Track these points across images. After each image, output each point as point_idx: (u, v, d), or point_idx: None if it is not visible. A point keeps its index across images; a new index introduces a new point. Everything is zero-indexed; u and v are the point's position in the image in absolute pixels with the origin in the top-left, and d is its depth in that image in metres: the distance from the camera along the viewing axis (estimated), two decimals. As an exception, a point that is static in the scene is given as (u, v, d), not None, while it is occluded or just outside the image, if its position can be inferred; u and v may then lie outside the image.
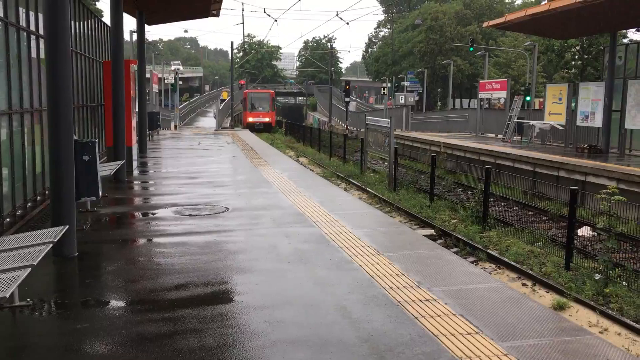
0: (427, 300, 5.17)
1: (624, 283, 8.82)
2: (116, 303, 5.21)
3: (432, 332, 4.47)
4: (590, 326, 7.49)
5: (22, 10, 8.82)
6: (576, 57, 38.02)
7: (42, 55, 9.29)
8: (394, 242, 7.38)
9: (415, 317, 4.76)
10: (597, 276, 8.90)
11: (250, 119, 47.05)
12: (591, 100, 20.53)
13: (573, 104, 22.17)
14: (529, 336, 4.44)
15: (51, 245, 5.29)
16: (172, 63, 74.03)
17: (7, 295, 4.03)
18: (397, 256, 6.54)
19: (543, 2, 34.93)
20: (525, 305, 5.13)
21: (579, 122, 21.34)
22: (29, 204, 8.91)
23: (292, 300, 5.17)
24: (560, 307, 8.09)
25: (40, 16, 9.42)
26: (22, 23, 8.80)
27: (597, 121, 20.18)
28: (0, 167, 7.58)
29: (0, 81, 7.72)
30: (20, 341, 4.40)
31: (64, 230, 5.86)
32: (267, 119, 47.57)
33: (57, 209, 6.49)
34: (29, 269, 4.55)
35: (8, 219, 7.82)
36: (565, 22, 19.28)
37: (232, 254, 6.70)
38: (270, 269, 6.10)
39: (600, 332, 7.37)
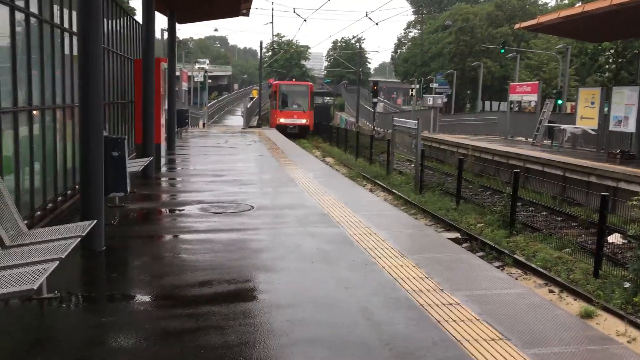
0: (451, 304, 5.12)
1: (655, 292, 8.60)
2: (141, 298, 5.28)
3: (454, 337, 4.42)
4: (617, 335, 7.32)
5: (56, 8, 9.00)
6: (610, 60, 37.26)
7: (75, 52, 9.46)
8: (419, 245, 7.33)
9: (438, 322, 4.72)
10: (627, 284, 8.71)
11: (282, 120, 36.76)
12: (625, 104, 20.08)
13: (606, 108, 21.72)
14: (554, 344, 4.36)
15: (79, 239, 5.38)
16: (198, 61, 72.14)
17: (35, 287, 4.11)
18: (421, 259, 6.49)
19: (577, 4, 34.32)
20: (551, 313, 5.04)
21: (611, 127, 20.90)
22: (60, 198, 9.08)
23: (315, 300, 5.17)
24: (587, 315, 7.93)
25: (74, 13, 9.60)
26: (56, 20, 8.97)
27: (631, 126, 19.73)
28: (33, 162, 7.75)
29: (34, 77, 7.88)
30: (46, 332, 4.49)
31: (92, 224, 5.96)
32: (303, 121, 37.01)
33: (86, 204, 6.60)
34: (57, 262, 4.63)
35: (39, 212, 7.99)
36: (599, 25, 18.91)
37: (256, 252, 6.73)
38: (294, 268, 6.11)
39: (627, 342, 7.21)
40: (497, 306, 5.11)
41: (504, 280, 5.98)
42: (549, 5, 66.41)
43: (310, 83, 44.36)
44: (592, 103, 22.23)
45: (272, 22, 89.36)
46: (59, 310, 4.92)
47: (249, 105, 43.78)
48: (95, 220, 6.20)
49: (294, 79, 53.88)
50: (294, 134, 34.98)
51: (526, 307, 5.12)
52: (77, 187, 9.56)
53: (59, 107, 9.08)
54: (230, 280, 5.68)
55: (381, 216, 8.97)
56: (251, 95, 57.17)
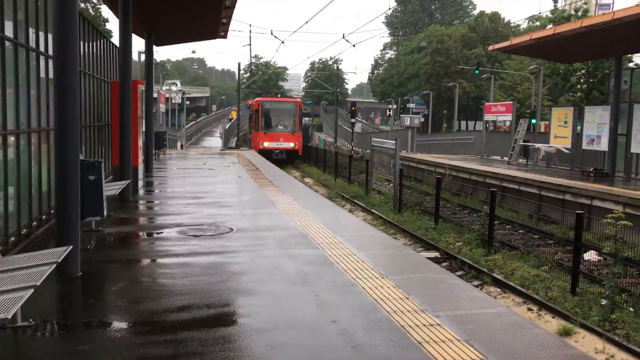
0: (431, 325, 5.12)
1: (631, 309, 8.73)
2: (119, 324, 5.19)
3: (435, 359, 4.42)
4: (596, 353, 7.40)
5: (32, 31, 8.94)
6: (582, 80, 38.09)
7: (51, 75, 9.39)
8: (399, 265, 7.34)
9: (419, 343, 4.71)
10: (604, 301, 8.81)
11: (266, 144, 31.83)
12: (597, 123, 20.53)
13: (579, 128, 22.17)
14: (534, 363, 4.39)
15: (55, 265, 5.29)
16: (167, 82, 67.95)
17: (10, 316, 4.02)
18: (401, 279, 6.50)
19: (548, 27, 35.17)
20: (530, 332, 5.07)
21: (584, 146, 21.32)
22: (34, 223, 8.94)
23: (295, 324, 5.13)
24: (566, 333, 8.00)
25: (50, 36, 9.55)
26: (32, 44, 8.91)
27: (603, 145, 20.16)
28: (7, 186, 7.62)
29: (9, 101, 7.80)
30: (21, 362, 4.38)
31: (68, 250, 5.87)
32: (291, 144, 32.19)
33: (62, 229, 6.50)
34: (32, 290, 4.54)
35: (13, 238, 7.84)
36: (570, 46, 19.38)
37: (236, 276, 6.68)
38: (274, 291, 6.07)
39: (606, 359, 7.28)
40: (477, 326, 5.13)
41: (484, 300, 6.01)
42: (521, 27, 67.92)
43: (298, 99, 37.76)
44: (565, 122, 22.70)
45: (250, 44, 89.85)
46: (34, 338, 4.80)
47: (227, 127, 43.73)
48: (71, 246, 6.11)
49: (278, 95, 48.34)
50: (281, 159, 30.40)
51: (506, 327, 5.15)
52: (52, 211, 9.42)
53: (35, 130, 8.98)
54: (210, 305, 5.62)
55: (361, 237, 8.99)
56: (230, 117, 56.98)
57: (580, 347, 7.27)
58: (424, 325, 5.11)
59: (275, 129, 32.88)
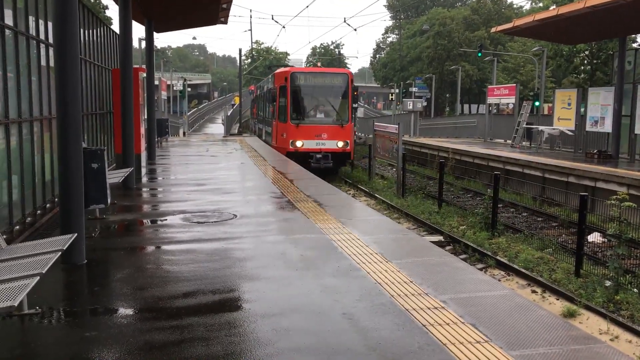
0: (436, 308, 5.14)
1: (635, 290, 8.75)
2: (124, 311, 5.22)
3: (440, 341, 4.44)
4: (600, 334, 7.43)
5: (31, 19, 8.90)
6: (585, 62, 37.87)
7: (52, 64, 9.37)
8: (402, 249, 7.35)
9: (424, 325, 4.73)
10: (608, 283, 8.83)
11: (299, 143, 20.74)
12: (600, 105, 20.42)
13: (582, 109, 22.06)
14: (538, 345, 4.40)
15: (60, 253, 5.31)
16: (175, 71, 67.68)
17: (16, 304, 4.04)
18: (405, 263, 6.51)
19: (551, 7, 34.85)
20: (535, 313, 5.09)
21: (588, 128, 21.23)
22: (39, 212, 8.96)
23: (300, 308, 5.16)
24: (570, 315, 8.03)
25: (50, 24, 9.51)
26: (32, 32, 8.88)
27: (607, 126, 20.06)
28: (10, 175, 7.64)
29: (10, 90, 7.79)
30: (28, 349, 4.41)
31: (73, 238, 5.88)
32: (339, 143, 20.84)
33: (66, 217, 6.52)
34: (38, 277, 4.56)
35: (18, 227, 7.87)
36: (573, 28, 19.21)
37: (240, 262, 6.70)
38: (278, 277, 6.09)
39: (610, 340, 7.31)
40: (481, 308, 5.14)
41: (488, 282, 6.02)
42: (524, 8, 67.39)
43: (348, 70, 24.63)
44: (569, 104, 22.56)
45: (250, 30, 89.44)
46: (40, 326, 4.84)
47: (229, 113, 43.62)
48: (76, 234, 6.12)
49: (318, 64, 31.96)
50: (325, 168, 19.68)
51: (510, 309, 5.16)
52: (56, 200, 9.44)
53: (37, 119, 8.97)
54: (215, 291, 5.65)
55: (364, 221, 8.99)
56: (233, 102, 56.60)
57: (584, 328, 7.29)
58: (429, 308, 5.13)
59: (314, 118, 21.17)
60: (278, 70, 23.89)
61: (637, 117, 18.20)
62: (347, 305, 5.19)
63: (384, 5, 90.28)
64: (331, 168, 20.43)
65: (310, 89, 21.51)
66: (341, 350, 4.29)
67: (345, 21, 39.32)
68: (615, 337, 7.45)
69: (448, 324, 4.76)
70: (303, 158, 19.67)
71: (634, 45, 35.84)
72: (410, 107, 36.49)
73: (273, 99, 22.23)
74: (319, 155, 20.10)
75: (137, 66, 15.06)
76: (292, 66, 28.55)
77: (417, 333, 4.60)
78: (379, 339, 4.49)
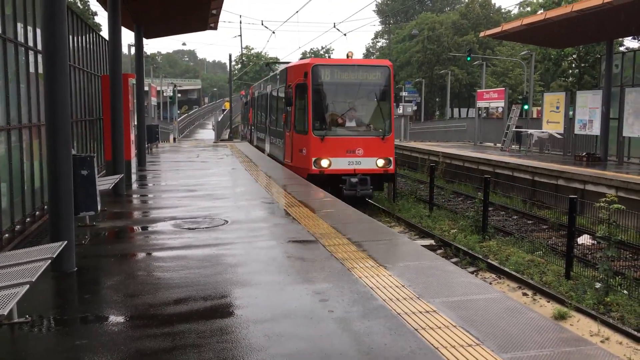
0: (427, 312, 5.15)
1: (625, 291, 8.81)
2: (115, 318, 5.19)
3: (432, 345, 4.45)
4: (591, 335, 7.47)
5: (20, 26, 8.86)
6: (573, 65, 38.17)
7: (41, 70, 9.32)
8: (394, 253, 7.36)
9: (416, 330, 4.74)
10: (598, 285, 8.89)
11: (325, 162, 15.28)
12: (589, 108, 20.60)
13: (571, 113, 22.25)
14: (529, 347, 4.42)
15: (50, 261, 5.28)
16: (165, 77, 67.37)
17: (6, 313, 4.02)
18: (396, 267, 6.52)
19: (539, 12, 35.15)
20: (525, 316, 5.11)
21: (576, 131, 21.40)
22: (28, 219, 8.90)
23: (292, 313, 5.15)
24: (561, 317, 8.07)
25: (38, 31, 9.47)
26: (20, 39, 8.83)
27: (595, 129, 20.24)
28: (-1, 183, 7.58)
29: (-2, 97, 7.74)
30: (18, 358, 4.38)
31: (63, 245, 5.85)
32: (380, 161, 15.45)
33: (56, 224, 6.48)
34: (28, 286, 4.53)
35: (7, 235, 7.81)
36: (561, 31, 19.39)
37: (232, 267, 6.68)
38: (270, 282, 6.08)
39: (601, 342, 7.35)
40: (473, 312, 5.15)
41: (479, 286, 6.04)
42: (512, 13, 67.90)
43: (388, 61, 17.60)
44: (557, 107, 22.75)
45: (240, 35, 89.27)
46: (31, 334, 4.80)
47: (220, 119, 43.54)
48: (66, 241, 6.09)
49: (350, 53, 20.43)
50: (362, 195, 15.10)
51: (501, 312, 5.18)
52: (45, 207, 9.38)
53: (26, 126, 8.92)
54: (206, 297, 5.63)
55: (355, 225, 8.99)
56: (223, 108, 56.45)
57: (575, 330, 7.34)
58: (420, 312, 5.14)
59: (345, 127, 15.83)
60: (293, 64, 17.94)
61: (625, 120, 18.38)
62: (339, 310, 5.19)
63: (374, 11, 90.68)
64: (368, 192, 15.01)
65: (339, 87, 15.83)
66: (334, 355, 4.28)
67: (335, 26, 39.35)
68: (606, 339, 7.50)
69: (440, 328, 4.77)
70: (331, 182, 14.67)
71: (621, 48, 36.19)
72: (400, 111, 36.60)
73: (288, 102, 16.20)
74: (354, 179, 14.68)
75: (127, 72, 15.01)
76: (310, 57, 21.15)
77: (409, 337, 4.60)
78: (370, 343, 4.50)
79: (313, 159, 15.19)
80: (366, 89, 15.97)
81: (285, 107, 17.19)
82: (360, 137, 15.56)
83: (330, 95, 15.86)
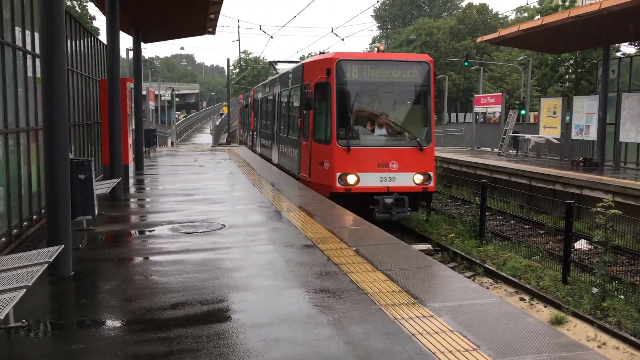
0: (424, 316, 5.15)
1: (622, 296, 8.83)
2: (112, 323, 5.18)
3: (429, 350, 4.45)
4: (588, 340, 7.48)
5: (18, 30, 8.87)
6: (570, 71, 38.28)
7: (39, 74, 9.33)
8: (391, 258, 7.36)
9: (413, 335, 4.74)
10: (595, 290, 8.90)
11: (352, 179, 12.71)
12: (585, 113, 20.66)
13: (567, 118, 22.31)
14: (526, 352, 4.42)
15: (46, 265, 5.27)
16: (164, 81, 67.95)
17: (2, 317, 4.01)
18: (394, 272, 6.52)
19: (536, 17, 35.27)
20: (522, 321, 5.11)
21: (573, 136, 21.46)
22: (25, 223, 8.89)
23: (289, 318, 5.15)
24: (558, 322, 8.07)
25: (37, 35, 9.48)
26: (19, 43, 8.84)
27: (592, 134, 20.29)
28: (-4, 187, 7.57)
29: (-4, 101, 7.74)
30: (15, 363, 4.37)
31: (60, 249, 5.84)
32: (419, 176, 12.97)
33: (53, 229, 6.47)
34: (24, 290, 4.53)
35: (4, 239, 7.80)
36: (558, 37, 19.46)
37: (229, 272, 6.68)
38: (267, 286, 6.08)
39: (598, 347, 7.36)
40: (470, 317, 5.16)
41: (476, 291, 6.05)
42: (509, 18, 68.11)
43: (427, 56, 14.42)
44: (554, 113, 22.82)
45: (238, 40, 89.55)
46: (27, 339, 4.79)
47: (217, 123, 43.55)
48: (63, 245, 6.08)
49: (382, 43, 17.56)
50: (398, 219, 12.81)
51: (498, 317, 5.19)
52: (43, 211, 9.37)
53: (23, 130, 8.92)
54: (203, 301, 5.62)
55: (353, 230, 9.00)
56: (221, 112, 56.41)
57: (572, 335, 7.35)
58: (417, 317, 5.14)
59: (376, 136, 13.50)
60: (311, 59, 15.38)
61: (622, 125, 18.43)
62: (336, 315, 5.19)
63: (371, 16, 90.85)
64: (404, 213, 12.64)
65: (369, 87, 13.45)
66: (331, 360, 4.28)
67: (332, 31, 39.47)
68: (603, 344, 7.51)
69: (437, 333, 4.78)
70: (360, 202, 12.34)
71: (618, 54, 36.32)
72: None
73: (307, 105, 13.57)
74: (388, 200, 12.36)
75: (125, 76, 15.03)
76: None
77: (406, 342, 4.60)
78: (367, 348, 4.49)
79: (337, 175, 12.70)
80: (401, 89, 13.57)
81: (300, 112, 14.92)
82: (395, 147, 13.10)
83: (359, 96, 13.38)
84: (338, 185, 12.64)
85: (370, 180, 12.68)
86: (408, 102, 13.91)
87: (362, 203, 12.34)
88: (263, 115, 24.21)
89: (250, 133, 29.93)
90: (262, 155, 23.37)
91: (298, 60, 27.33)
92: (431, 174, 13.13)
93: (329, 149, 13.01)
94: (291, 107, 16.89)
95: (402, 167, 12.77)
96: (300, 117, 14.93)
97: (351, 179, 12.62)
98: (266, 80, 25.76)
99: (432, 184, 13.15)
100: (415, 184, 12.86)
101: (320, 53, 15.79)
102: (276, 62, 26.12)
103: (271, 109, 21.37)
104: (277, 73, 22.27)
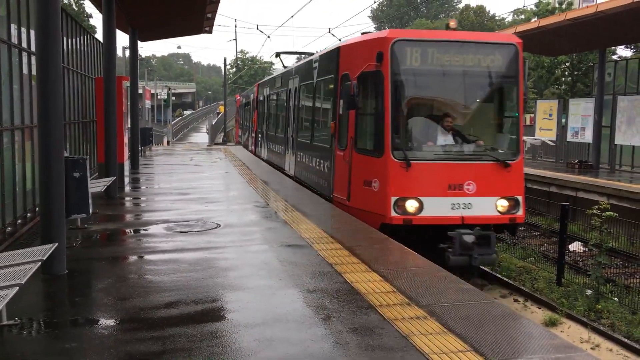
0: (419, 317, 5.15)
1: (616, 299, 8.85)
2: (105, 322, 5.16)
3: (423, 350, 4.45)
4: (582, 342, 7.50)
5: (13, 27, 8.83)
6: (566, 73, 38.36)
7: (34, 72, 9.30)
8: (385, 259, 7.37)
9: (406, 335, 4.74)
10: (589, 292, 8.93)
11: (413, 205, 9.23)
12: (581, 116, 20.72)
13: (563, 120, 22.37)
14: (520, 354, 4.43)
15: (40, 263, 5.25)
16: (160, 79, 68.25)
17: (-6, 315, 4.00)
18: (387, 272, 6.52)
19: (533, 20, 35.35)
20: (517, 322, 5.12)
21: (569, 138, 21.52)
22: (19, 221, 8.86)
23: (283, 318, 5.14)
24: (552, 324, 8.09)
25: (32, 32, 9.44)
26: (14, 40, 8.81)
27: (588, 137, 20.35)
28: (-10, 184, 7.54)
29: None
30: (7, 361, 4.35)
31: (53, 248, 5.82)
32: (502, 203, 9.46)
33: (47, 227, 6.45)
34: (17, 288, 4.51)
35: (-3, 237, 7.77)
36: (554, 39, 19.51)
37: (223, 271, 6.67)
38: (262, 286, 6.07)
39: (591, 349, 7.38)
40: (464, 318, 5.16)
41: (470, 292, 6.05)
42: (506, 20, 68.25)
43: (517, 38, 10.37)
44: (550, 115, 22.88)
45: (235, 39, 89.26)
46: (20, 337, 4.77)
47: (214, 122, 43.49)
48: (56, 244, 6.06)
49: (452, 22, 11.32)
50: (481, 262, 9.11)
51: (492, 318, 5.19)
52: (37, 209, 9.34)
53: (18, 127, 8.88)
54: (197, 301, 5.61)
55: (349, 230, 8.99)
56: (217, 111, 56.25)
57: (566, 337, 7.36)
58: (411, 318, 5.14)
59: (444, 146, 9.87)
60: (351, 41, 11.61)
61: (617, 128, 18.50)
62: (330, 315, 5.19)
63: (369, 16, 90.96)
64: (483, 252, 8.95)
65: (438, 79, 10.01)
66: (324, 360, 4.28)
67: (329, 31, 39.38)
68: (596, 346, 7.53)
69: (431, 334, 4.78)
70: (423, 237, 9.19)
71: (614, 57, 36.44)
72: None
73: (350, 102, 9.85)
74: (468, 237, 8.86)
75: (121, 75, 15.00)
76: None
77: (400, 342, 4.60)
78: (361, 348, 4.49)
79: (393, 200, 9.26)
80: (482, 81, 10.14)
81: (334, 112, 11.50)
82: (472, 162, 9.62)
83: (423, 91, 10.21)
84: (394, 214, 9.24)
85: (439, 207, 9.24)
86: (490, 99, 10.46)
87: (427, 238, 9.19)
88: (272, 114, 20.81)
89: (253, 135, 26.40)
90: (269, 162, 20.17)
91: (295, 59, 23.71)
92: (520, 198, 9.64)
93: (381, 164, 9.53)
94: (316, 106, 13.57)
95: (481, 189, 9.34)
96: (334, 119, 11.46)
97: (412, 205, 9.22)
98: (276, 74, 21.65)
99: (520, 212, 9.63)
100: (499, 212, 9.39)
101: (363, 34, 11.47)
102: (285, 53, 23.14)
103: (285, 107, 17.58)
104: (285, 67, 20.00)
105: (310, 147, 13.73)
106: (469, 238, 8.80)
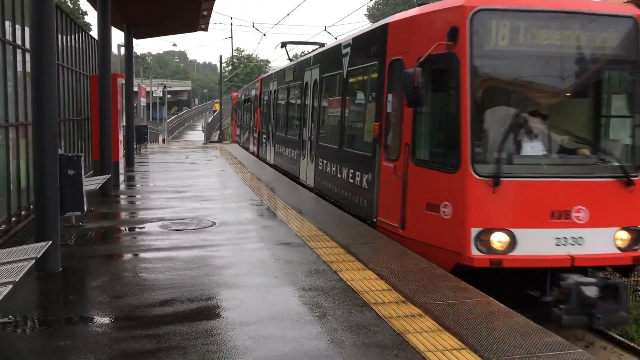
0: (413, 315, 5.16)
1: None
2: (100, 320, 5.15)
3: (417, 348, 4.46)
4: (576, 340, 7.51)
5: (7, 24, 8.80)
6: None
7: (29, 69, 9.26)
8: (380, 256, 7.36)
9: (402, 333, 4.75)
10: (583, 290, 8.90)
11: (502, 239, 6.57)
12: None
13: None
14: (515, 352, 4.44)
15: (34, 261, 5.23)
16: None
17: (-12, 313, 3.98)
18: (382, 270, 6.52)
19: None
20: (510, 320, 5.13)
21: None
22: (13, 219, 8.83)
23: (278, 316, 5.14)
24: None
25: (27, 29, 9.41)
26: (8, 37, 8.77)
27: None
28: (-16, 182, 7.52)
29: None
30: (1, 359, 4.33)
31: (48, 245, 5.80)
32: (622, 236, 6.80)
33: (41, 224, 6.43)
34: (11, 286, 4.49)
35: (-9, 234, 7.74)
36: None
37: (219, 269, 6.66)
38: (257, 284, 6.06)
39: (586, 347, 7.41)
40: (458, 315, 5.17)
41: (464, 290, 6.05)
42: None
43: (635, 8, 7.38)
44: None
45: (231, 37, 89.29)
46: (14, 335, 4.75)
47: (209, 120, 43.42)
48: (51, 241, 6.03)
49: None
50: (607, 322, 6.65)
51: (486, 316, 5.20)
52: (31, 206, 9.31)
53: (12, 125, 8.85)
54: (192, 299, 5.60)
55: (343, 228, 8.98)
56: (213, 109, 56.10)
57: (560, 335, 7.37)
58: (406, 315, 5.15)
59: (544, 158, 7.08)
60: (409, 13, 8.40)
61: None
62: (325, 313, 5.19)
63: (365, 15, 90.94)
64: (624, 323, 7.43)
65: (535, 64, 7.22)
66: (320, 358, 4.28)
67: (325, 29, 39.24)
68: (591, 344, 7.55)
69: (426, 332, 4.78)
70: (515, 283, 6.91)
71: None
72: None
73: (413, 97, 7.06)
74: (589, 289, 6.48)
75: (116, 72, 14.95)
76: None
77: (395, 340, 4.61)
78: (356, 345, 4.49)
79: (474, 232, 6.75)
80: (593, 67, 7.42)
81: (378, 110, 8.93)
82: (581, 180, 6.99)
83: (516, 82, 7.44)
84: (475, 252, 6.69)
85: (538, 243, 6.73)
86: (603, 91, 7.89)
87: (521, 284, 6.94)
88: (281, 113, 17.95)
89: (256, 135, 23.60)
90: (277, 168, 17.46)
91: (311, 42, 20.11)
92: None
93: (455, 182, 6.98)
94: (351, 101, 10.92)
95: (595, 217, 6.82)
96: (378, 120, 8.85)
97: (501, 240, 6.70)
98: (287, 65, 18.20)
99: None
100: (618, 248, 6.91)
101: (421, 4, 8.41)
102: (292, 43, 20.48)
103: (300, 104, 14.93)
104: (290, 59, 17.56)
105: (339, 155, 10.95)
106: (591, 291, 6.42)
